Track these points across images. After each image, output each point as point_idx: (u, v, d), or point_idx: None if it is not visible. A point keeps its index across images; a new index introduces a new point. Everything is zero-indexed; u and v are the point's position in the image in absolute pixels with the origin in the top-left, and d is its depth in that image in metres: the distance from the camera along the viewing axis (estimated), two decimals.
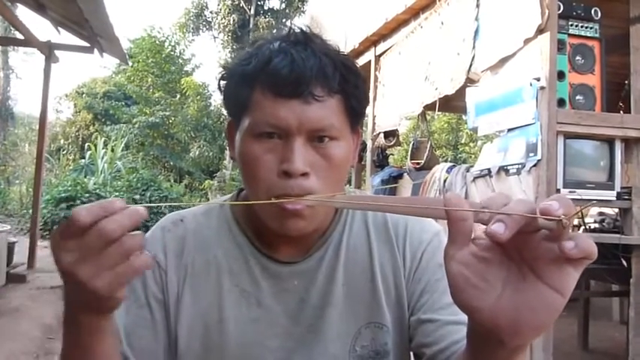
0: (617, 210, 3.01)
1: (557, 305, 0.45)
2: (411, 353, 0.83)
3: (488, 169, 2.90)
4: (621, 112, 3.24)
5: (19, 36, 6.06)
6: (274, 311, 0.80)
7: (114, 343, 0.65)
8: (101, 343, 0.61)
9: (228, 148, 0.84)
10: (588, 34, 2.72)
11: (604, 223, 3.34)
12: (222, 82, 0.79)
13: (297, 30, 0.76)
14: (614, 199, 2.68)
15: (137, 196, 11.05)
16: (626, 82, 3.10)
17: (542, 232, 0.44)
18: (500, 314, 0.46)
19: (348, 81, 0.74)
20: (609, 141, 2.69)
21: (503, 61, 2.82)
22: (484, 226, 0.45)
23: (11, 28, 11.03)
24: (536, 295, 0.45)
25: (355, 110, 0.77)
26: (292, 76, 0.70)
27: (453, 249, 0.48)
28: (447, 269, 0.48)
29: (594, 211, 3.65)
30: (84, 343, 0.61)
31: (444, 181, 3.42)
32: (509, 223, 0.43)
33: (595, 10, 2.72)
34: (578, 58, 2.69)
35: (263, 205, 0.74)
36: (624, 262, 2.68)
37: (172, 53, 17.62)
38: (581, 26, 2.71)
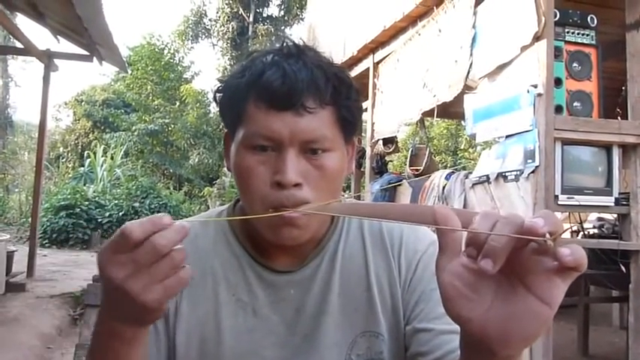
0: (615, 215, 3.01)
1: (545, 317, 0.45)
2: None
3: (487, 176, 2.91)
4: (619, 118, 3.25)
5: (19, 45, 6.08)
6: (270, 321, 0.81)
7: (146, 352, 0.67)
8: (137, 352, 0.63)
9: (224, 159, 0.85)
10: (585, 41, 2.74)
11: (603, 229, 3.35)
12: (218, 95, 0.80)
13: (290, 43, 0.77)
14: (613, 204, 2.68)
15: (136, 204, 11.06)
16: (623, 88, 3.11)
17: (532, 245, 0.45)
18: (489, 325, 0.47)
19: (340, 92, 0.75)
20: (607, 147, 2.69)
21: (501, 68, 2.83)
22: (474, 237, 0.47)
23: (10, 36, 11.07)
24: (525, 307, 0.46)
25: (348, 121, 0.77)
26: (284, 89, 0.71)
27: (444, 260, 0.49)
28: (439, 280, 0.50)
29: (593, 216, 3.66)
30: (120, 353, 0.62)
31: (443, 187, 3.43)
32: (495, 256, 0.44)
33: (591, 17, 2.74)
34: (575, 64, 2.71)
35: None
36: (623, 268, 2.69)
37: (171, 61, 17.69)
38: (578, 33, 2.73)
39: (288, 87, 0.71)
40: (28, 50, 5.84)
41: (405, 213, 0.57)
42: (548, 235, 0.43)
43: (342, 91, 0.75)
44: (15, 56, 17.11)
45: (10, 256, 5.40)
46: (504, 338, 0.46)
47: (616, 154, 2.69)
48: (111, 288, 0.54)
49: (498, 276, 0.47)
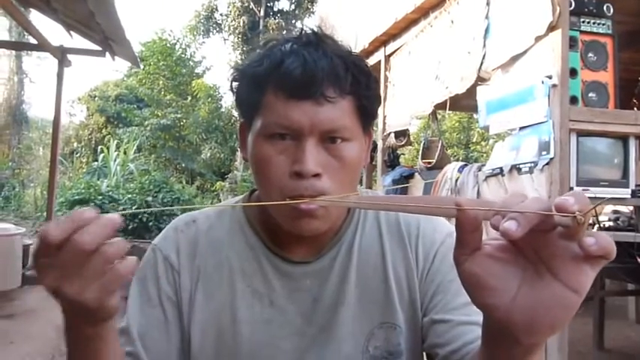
0: (631, 208, 2.97)
1: (573, 304, 0.44)
2: (424, 354, 0.83)
3: (501, 168, 2.89)
4: (635, 108, 3.20)
5: (33, 41, 6.13)
6: (287, 311, 0.81)
7: (115, 348, 0.65)
8: (103, 349, 0.62)
9: (240, 149, 0.84)
10: (600, 31, 2.69)
11: (618, 222, 3.30)
12: (234, 84, 0.79)
13: (309, 31, 0.76)
14: (629, 196, 2.64)
15: (149, 198, 11.14)
16: None
17: (559, 230, 0.44)
18: (515, 312, 0.46)
19: (359, 82, 0.74)
20: (623, 138, 2.65)
21: (515, 59, 2.79)
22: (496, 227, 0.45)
23: (25, 33, 11.17)
24: (552, 294, 0.45)
25: (367, 111, 0.77)
26: (304, 78, 0.70)
27: (462, 256, 0.48)
28: (459, 273, 0.48)
29: (608, 209, 3.61)
30: (86, 350, 0.62)
31: (456, 180, 3.41)
32: (521, 220, 0.43)
33: (607, 6, 2.69)
34: (590, 55, 2.67)
35: (276, 206, 0.74)
36: (639, 261, 2.65)
37: (183, 56, 17.70)
38: (593, 23, 2.68)
39: (308, 76, 0.70)
40: (42, 46, 5.88)
41: (424, 204, 0.54)
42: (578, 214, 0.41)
43: (362, 81, 0.75)
44: (29, 52, 17.25)
45: (26, 249, 5.48)
46: (531, 326, 0.45)
47: (633, 145, 2.65)
48: (50, 292, 0.53)
49: (524, 263, 0.47)
